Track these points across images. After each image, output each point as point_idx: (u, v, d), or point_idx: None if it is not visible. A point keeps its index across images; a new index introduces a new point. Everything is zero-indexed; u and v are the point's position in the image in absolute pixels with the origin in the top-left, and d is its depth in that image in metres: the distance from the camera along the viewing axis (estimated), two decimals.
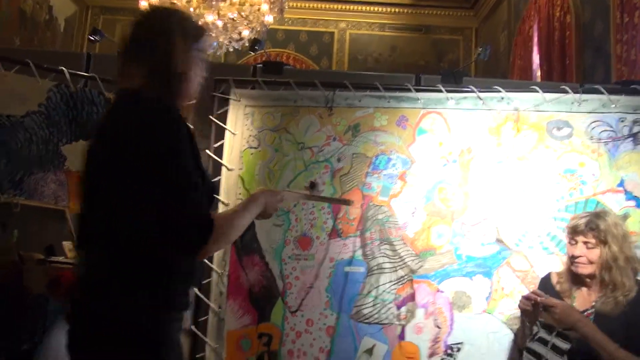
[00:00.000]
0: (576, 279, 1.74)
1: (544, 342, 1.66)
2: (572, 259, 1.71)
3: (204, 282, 2.02)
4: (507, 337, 1.95)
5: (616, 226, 1.68)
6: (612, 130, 2.02)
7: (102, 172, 1.15)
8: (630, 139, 2.01)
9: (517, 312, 1.92)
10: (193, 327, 1.99)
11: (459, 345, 1.96)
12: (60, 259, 2.03)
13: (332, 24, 7.09)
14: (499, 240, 2.00)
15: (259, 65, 2.24)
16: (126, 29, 1.30)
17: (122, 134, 1.13)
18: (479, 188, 2.04)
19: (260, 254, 2.04)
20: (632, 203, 1.97)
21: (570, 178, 2.01)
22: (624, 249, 1.65)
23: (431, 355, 1.96)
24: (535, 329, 1.70)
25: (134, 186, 1.11)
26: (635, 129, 2.00)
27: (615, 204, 1.97)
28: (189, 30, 1.29)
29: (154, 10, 1.40)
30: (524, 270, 1.98)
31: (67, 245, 2.11)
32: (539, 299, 1.65)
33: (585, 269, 1.68)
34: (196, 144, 1.22)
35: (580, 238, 1.69)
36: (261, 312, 2.02)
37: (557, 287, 1.78)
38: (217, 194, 2.01)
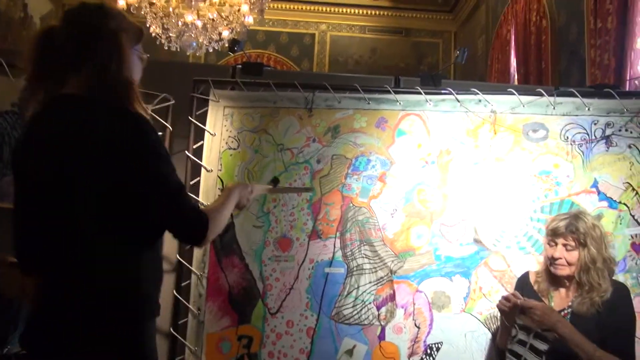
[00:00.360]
0: (554, 280, 1.76)
1: (522, 343, 1.68)
2: (552, 260, 1.73)
3: (183, 284, 2.00)
4: (484, 336, 1.97)
5: (594, 228, 1.70)
6: (585, 133, 2.07)
7: (84, 180, 1.09)
8: (603, 141, 2.06)
9: (495, 312, 1.95)
10: (172, 330, 1.97)
11: (438, 345, 1.98)
12: None
13: (313, 25, 7.10)
14: (477, 241, 2.03)
15: (239, 66, 2.22)
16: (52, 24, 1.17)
17: (103, 143, 1.09)
18: (457, 189, 2.06)
19: (240, 256, 2.03)
20: (605, 204, 2.02)
21: (546, 179, 2.05)
22: (601, 250, 1.68)
23: (411, 355, 1.97)
24: (514, 331, 1.73)
25: (132, 192, 1.11)
26: (608, 132, 2.05)
27: (589, 205, 2.01)
28: (131, 31, 1.22)
29: (88, 7, 1.20)
30: (501, 270, 2.01)
31: None
32: (518, 301, 1.67)
33: (564, 271, 1.71)
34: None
35: (560, 240, 1.71)
36: (241, 314, 2.00)
37: (535, 287, 1.80)
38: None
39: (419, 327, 1.99)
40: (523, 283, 1.86)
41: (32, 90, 1.17)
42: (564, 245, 1.70)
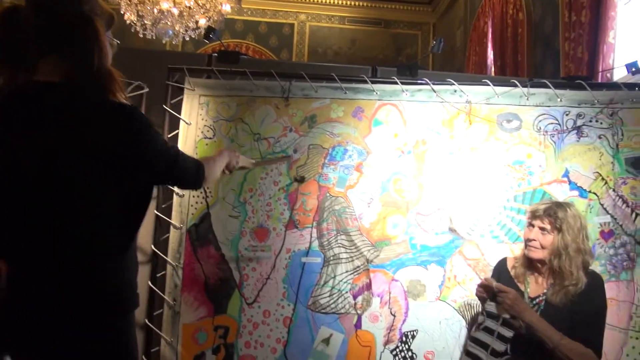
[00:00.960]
0: (530, 265, 1.79)
1: (489, 331, 1.70)
2: (527, 242, 1.76)
3: (159, 275, 1.98)
4: (459, 324, 2.01)
5: (574, 218, 1.72)
6: (557, 123, 2.11)
7: (76, 173, 1.06)
8: (574, 131, 2.10)
9: (469, 299, 1.98)
10: (147, 321, 1.95)
11: (413, 333, 2.01)
12: None
13: (292, 15, 7.05)
14: (451, 230, 2.05)
15: (214, 54, 2.19)
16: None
17: (98, 136, 1.08)
18: (432, 179, 2.08)
19: (216, 246, 2.02)
20: (576, 193, 2.06)
21: (519, 169, 2.08)
22: (577, 240, 1.69)
23: (387, 343, 2.00)
24: (481, 318, 1.75)
25: (132, 175, 1.14)
26: (579, 122, 2.09)
27: (561, 194, 2.05)
28: (104, 16, 1.18)
29: None
30: (475, 258, 2.04)
31: None
32: (493, 284, 1.70)
33: (537, 254, 1.73)
34: None
35: (537, 222, 1.74)
36: (217, 305, 2.00)
37: (512, 272, 1.83)
38: None
39: (394, 316, 2.01)
40: (500, 268, 1.89)
41: None
42: (540, 228, 1.74)
